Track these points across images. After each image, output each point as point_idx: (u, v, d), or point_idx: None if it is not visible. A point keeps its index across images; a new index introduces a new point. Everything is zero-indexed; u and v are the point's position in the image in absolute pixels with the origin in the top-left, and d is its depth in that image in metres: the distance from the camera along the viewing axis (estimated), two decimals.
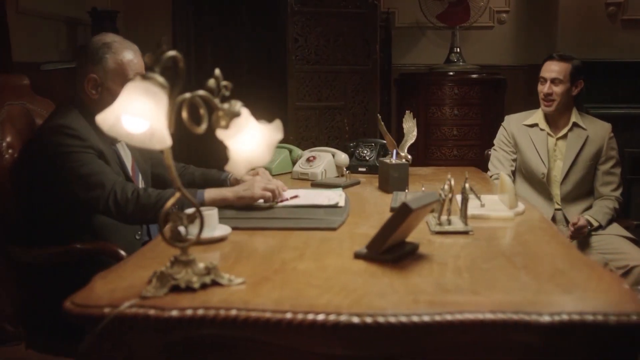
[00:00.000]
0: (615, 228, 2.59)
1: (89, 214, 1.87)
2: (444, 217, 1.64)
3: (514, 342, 1.06)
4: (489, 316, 1.03)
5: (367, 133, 3.85)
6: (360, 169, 2.66)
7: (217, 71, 1.19)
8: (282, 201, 1.93)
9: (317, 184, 2.36)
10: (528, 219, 1.78)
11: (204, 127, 1.17)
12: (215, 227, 1.57)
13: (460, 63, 4.32)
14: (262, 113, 1.30)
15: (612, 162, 2.70)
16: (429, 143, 4.33)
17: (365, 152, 2.73)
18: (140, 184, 2.09)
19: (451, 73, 4.26)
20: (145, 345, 1.10)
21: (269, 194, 1.88)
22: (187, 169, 2.24)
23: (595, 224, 2.57)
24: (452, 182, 1.64)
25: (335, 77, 3.85)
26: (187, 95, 1.15)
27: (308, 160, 2.55)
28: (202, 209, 1.59)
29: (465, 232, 1.59)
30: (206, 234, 1.53)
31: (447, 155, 4.31)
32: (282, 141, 1.28)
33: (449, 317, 1.02)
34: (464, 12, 4.22)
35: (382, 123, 2.55)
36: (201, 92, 1.17)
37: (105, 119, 1.08)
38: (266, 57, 4.63)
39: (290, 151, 2.74)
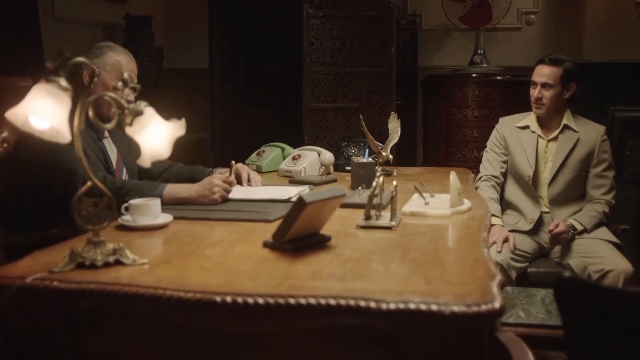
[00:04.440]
0: (601, 232, 2.54)
1: (68, 201, 2.08)
2: (372, 212, 1.72)
3: (362, 326, 1.14)
4: (332, 301, 1.11)
5: (382, 133, 3.91)
6: (347, 168, 2.75)
7: (126, 75, 1.35)
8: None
9: (294, 181, 2.47)
10: (465, 218, 1.82)
11: (112, 124, 1.33)
12: (157, 215, 1.72)
13: (484, 65, 4.29)
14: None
15: (604, 165, 2.65)
16: (450, 144, 4.34)
17: (353, 151, 2.82)
18: (124, 177, 2.28)
19: (473, 75, 4.24)
20: (48, 313, 1.27)
21: (225, 194, 2.02)
22: (174, 166, 2.41)
23: (580, 227, 2.53)
24: (381, 180, 1.72)
25: (351, 79, 3.94)
26: (94, 96, 1.31)
27: (294, 158, 2.67)
28: (145, 199, 1.76)
29: (388, 227, 1.66)
30: (148, 222, 1.70)
31: (468, 157, 4.29)
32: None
33: (291, 301, 1.12)
34: (486, 13, 4.20)
35: (364, 123, 2.63)
36: (109, 94, 1.33)
37: (16, 117, 1.25)
38: (291, 59, 4.77)
39: (283, 149, 2.86)
